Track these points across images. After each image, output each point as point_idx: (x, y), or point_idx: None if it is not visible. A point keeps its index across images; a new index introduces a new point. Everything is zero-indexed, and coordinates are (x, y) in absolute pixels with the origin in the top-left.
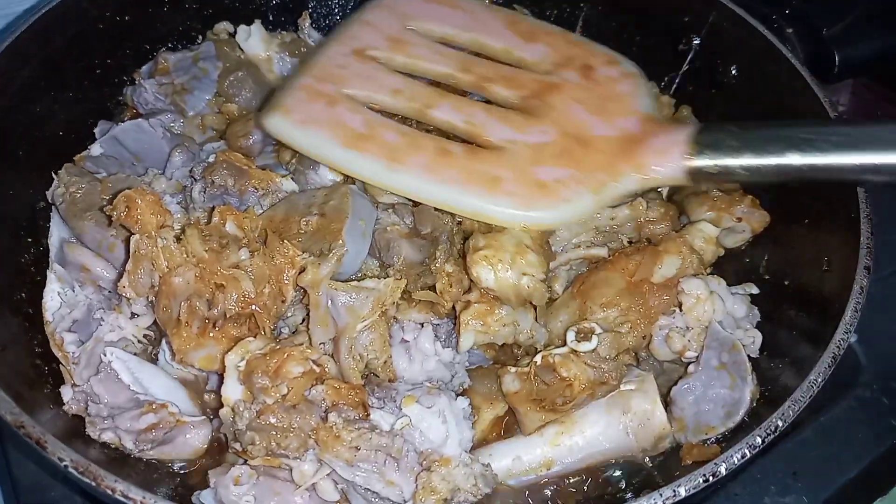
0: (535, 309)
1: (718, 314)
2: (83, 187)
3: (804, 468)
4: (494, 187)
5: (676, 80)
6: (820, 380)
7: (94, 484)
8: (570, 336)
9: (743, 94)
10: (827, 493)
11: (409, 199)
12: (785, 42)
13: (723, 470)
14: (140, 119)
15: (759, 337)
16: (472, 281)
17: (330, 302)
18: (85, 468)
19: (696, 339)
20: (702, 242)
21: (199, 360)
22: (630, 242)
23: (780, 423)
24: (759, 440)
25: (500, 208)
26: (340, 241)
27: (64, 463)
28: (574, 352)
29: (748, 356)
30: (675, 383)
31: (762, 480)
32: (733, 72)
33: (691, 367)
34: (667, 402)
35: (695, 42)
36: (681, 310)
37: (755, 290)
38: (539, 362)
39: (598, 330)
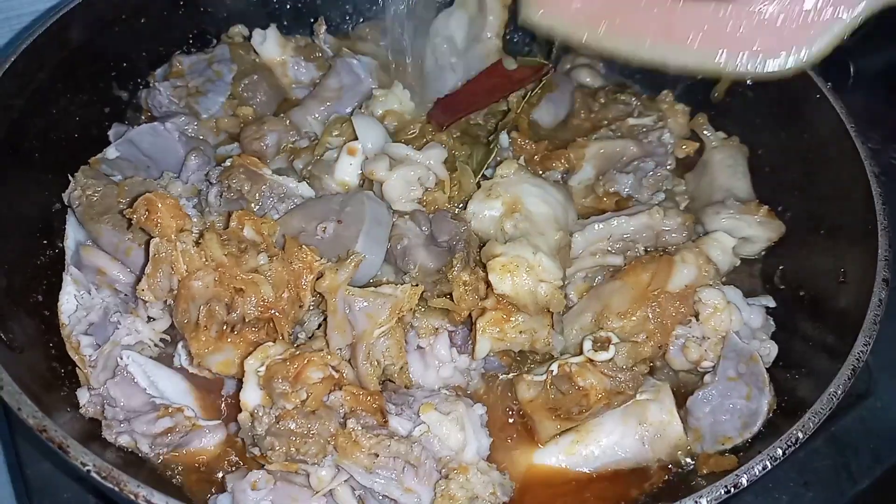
0: (552, 316)
1: (735, 324)
2: (99, 190)
3: (816, 478)
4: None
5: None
6: (840, 392)
7: (116, 489)
8: (587, 345)
9: (758, 103)
10: (839, 503)
11: (425, 207)
12: None
13: (744, 482)
14: (155, 122)
15: (774, 348)
16: (489, 287)
17: (347, 308)
18: (108, 473)
19: (712, 349)
20: (718, 252)
21: (217, 364)
22: (646, 251)
23: (800, 435)
24: (780, 452)
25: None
26: (357, 248)
27: (87, 467)
28: (591, 361)
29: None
30: (692, 393)
31: (774, 490)
32: (748, 81)
33: (707, 377)
34: (683, 412)
35: None
36: (697, 319)
37: (772, 304)
38: (556, 371)
39: (616, 339)
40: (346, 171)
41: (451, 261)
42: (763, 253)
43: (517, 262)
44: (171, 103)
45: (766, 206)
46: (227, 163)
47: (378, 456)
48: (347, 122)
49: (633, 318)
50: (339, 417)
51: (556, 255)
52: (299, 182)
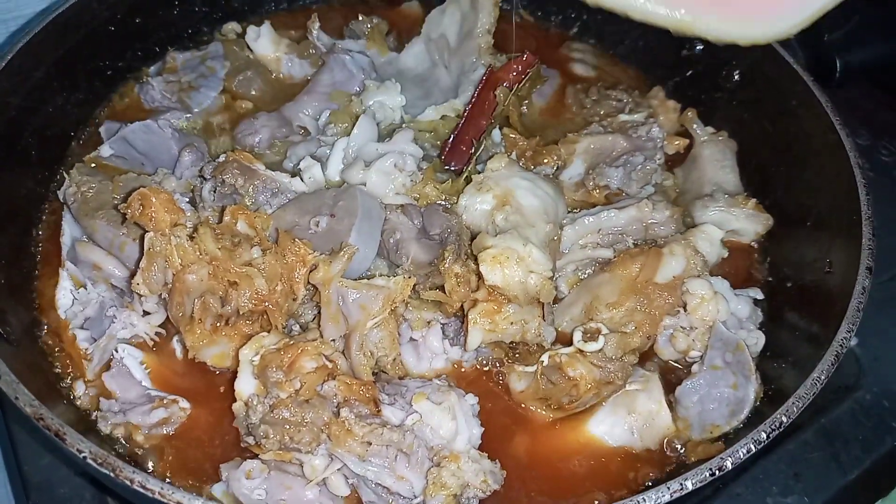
0: (543, 307)
1: (723, 314)
2: (94, 186)
3: (806, 469)
4: None
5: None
6: (823, 377)
7: (112, 475)
8: (577, 336)
9: (746, 99)
10: (828, 494)
11: (417, 200)
12: (786, 47)
13: (728, 464)
14: (149, 120)
15: (762, 338)
16: (480, 279)
17: (341, 299)
18: (104, 459)
19: (700, 339)
20: (706, 244)
21: (212, 356)
22: (635, 244)
23: (784, 420)
24: (764, 435)
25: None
26: (350, 241)
27: (83, 454)
28: (580, 351)
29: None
30: (680, 383)
31: (764, 481)
32: (736, 77)
33: (695, 367)
34: (671, 402)
35: (698, 47)
36: (685, 310)
37: (759, 295)
38: (546, 362)
39: (605, 330)
40: (337, 167)
41: (443, 253)
42: (751, 245)
43: (507, 254)
44: (163, 98)
45: (754, 199)
46: (221, 158)
47: (371, 444)
48: (342, 116)
49: (622, 309)
50: (332, 406)
51: (546, 246)
52: (292, 177)
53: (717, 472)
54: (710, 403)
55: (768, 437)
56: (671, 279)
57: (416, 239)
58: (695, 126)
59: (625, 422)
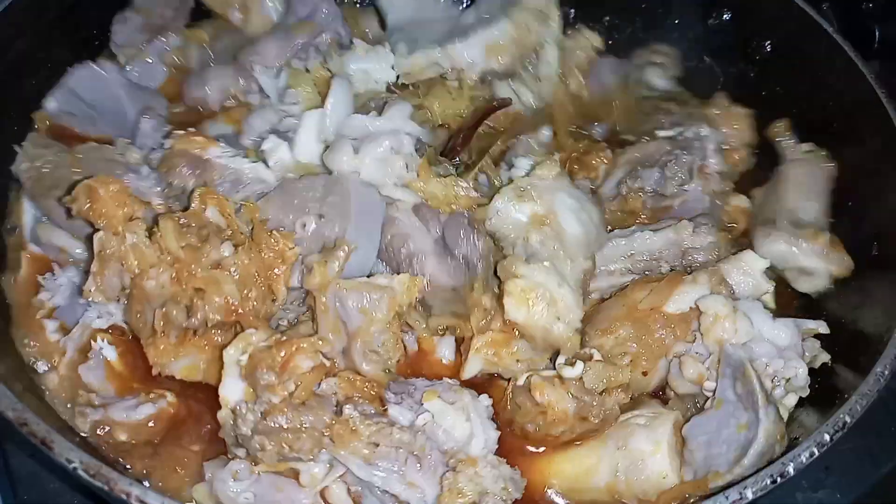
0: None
1: (742, 335)
2: (51, 160)
3: (837, 463)
4: None
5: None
6: (887, 372)
7: (106, 488)
8: (560, 359)
9: (779, 71)
10: (861, 488)
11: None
12: (821, 16)
13: (791, 470)
14: (87, 62)
15: (803, 370)
16: (497, 302)
17: (339, 303)
18: (96, 471)
19: (716, 367)
20: (740, 275)
21: (181, 370)
22: (672, 269)
23: (847, 420)
24: (827, 437)
25: None
26: (345, 240)
27: (73, 465)
28: (559, 377)
29: (800, 393)
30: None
31: (794, 476)
32: (768, 48)
33: (708, 403)
34: (680, 443)
35: (725, 16)
36: (700, 332)
37: (824, 329)
38: (521, 382)
39: (598, 357)
40: (309, 147)
41: (472, 283)
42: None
43: (538, 292)
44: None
45: (830, 234)
46: (167, 144)
47: (378, 445)
48: (303, 79)
49: (612, 337)
50: (331, 405)
51: (580, 288)
52: (253, 162)
53: (778, 478)
54: (717, 447)
55: (832, 438)
56: (686, 311)
57: (435, 253)
58: (784, 140)
59: (611, 456)
